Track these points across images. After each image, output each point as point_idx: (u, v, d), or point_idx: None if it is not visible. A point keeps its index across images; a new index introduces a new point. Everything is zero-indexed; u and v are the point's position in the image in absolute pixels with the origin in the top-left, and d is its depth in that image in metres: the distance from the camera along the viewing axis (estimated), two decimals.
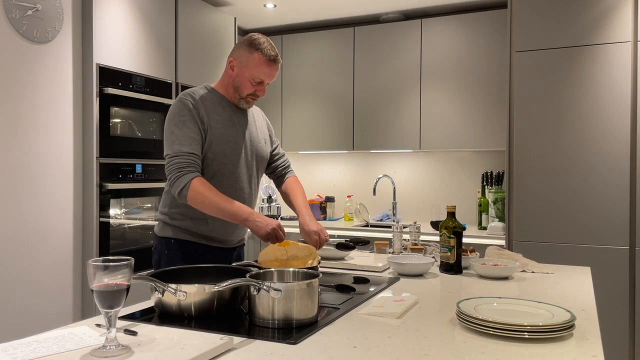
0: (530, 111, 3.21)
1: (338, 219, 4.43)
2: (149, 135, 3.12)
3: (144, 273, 1.37)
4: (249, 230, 1.85)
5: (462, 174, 4.16)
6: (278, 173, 2.16)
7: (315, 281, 1.28)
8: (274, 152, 2.14)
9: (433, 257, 2.18)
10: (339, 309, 1.42)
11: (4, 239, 2.39)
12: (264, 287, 1.22)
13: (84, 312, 2.77)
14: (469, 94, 3.79)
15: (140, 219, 3.01)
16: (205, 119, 1.83)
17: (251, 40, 1.86)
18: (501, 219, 3.57)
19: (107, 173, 2.78)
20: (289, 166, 2.19)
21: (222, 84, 1.94)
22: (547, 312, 1.30)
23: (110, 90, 2.79)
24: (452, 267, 1.93)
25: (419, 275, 1.91)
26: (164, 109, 3.18)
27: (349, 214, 4.30)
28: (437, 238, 3.46)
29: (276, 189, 4.48)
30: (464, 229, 2.12)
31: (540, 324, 1.16)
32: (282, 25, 4.47)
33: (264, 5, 3.95)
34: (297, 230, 3.98)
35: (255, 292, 1.24)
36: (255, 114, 2.06)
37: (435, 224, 3.72)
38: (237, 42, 3.89)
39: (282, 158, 2.17)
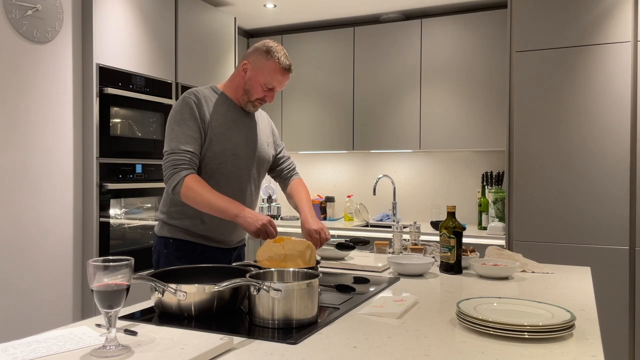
0: (530, 111, 3.21)
1: (338, 219, 4.43)
2: (149, 135, 3.12)
3: (144, 273, 1.37)
4: None
5: (462, 174, 4.16)
6: (284, 176, 2.16)
7: (315, 281, 1.28)
8: (279, 156, 2.14)
9: (433, 257, 2.18)
10: (339, 309, 1.42)
11: (4, 239, 2.39)
12: (264, 287, 1.22)
13: (84, 312, 2.77)
14: (469, 94, 3.79)
15: (140, 219, 3.01)
16: (207, 117, 1.84)
17: (269, 47, 1.89)
18: (501, 219, 3.57)
19: (107, 173, 2.78)
20: (294, 169, 2.19)
21: (231, 85, 1.95)
22: (547, 312, 1.30)
23: (110, 90, 2.79)
24: (452, 267, 1.93)
25: (419, 275, 1.91)
26: (164, 109, 3.18)
27: (349, 214, 4.30)
28: (437, 238, 3.46)
29: (276, 189, 4.48)
30: (464, 229, 2.12)
31: (540, 324, 1.16)
32: (282, 25, 4.47)
33: (264, 5, 3.95)
34: (298, 230, 3.98)
35: (255, 292, 1.24)
36: (260, 117, 2.06)
37: (435, 224, 3.72)
38: (237, 42, 3.89)
39: (288, 161, 2.18)
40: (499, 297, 1.41)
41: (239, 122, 1.93)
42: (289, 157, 2.19)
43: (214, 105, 1.88)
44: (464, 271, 1.98)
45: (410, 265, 1.88)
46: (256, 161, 1.98)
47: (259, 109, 2.02)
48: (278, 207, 4.44)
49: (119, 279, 1.04)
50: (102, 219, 2.76)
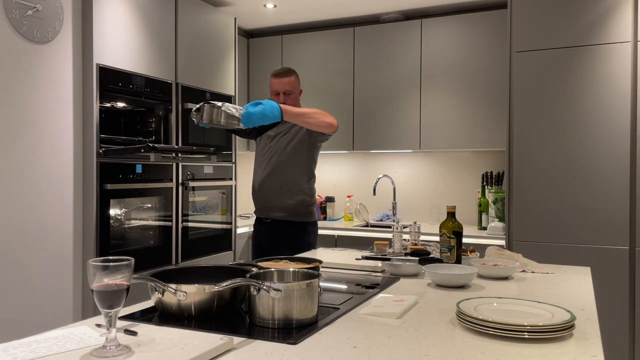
0: (530, 111, 3.21)
1: (338, 219, 4.43)
2: (149, 135, 3.13)
3: (144, 273, 1.37)
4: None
5: (462, 174, 4.16)
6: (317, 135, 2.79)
7: (315, 281, 1.28)
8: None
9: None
10: (339, 309, 1.42)
11: (4, 239, 2.39)
12: (264, 287, 1.22)
13: (84, 312, 2.77)
14: (469, 94, 3.79)
15: (140, 219, 3.01)
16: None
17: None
18: (501, 219, 3.57)
19: (107, 173, 2.78)
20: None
21: None
22: (547, 312, 1.30)
23: (111, 90, 2.79)
24: None
25: (418, 275, 1.91)
26: (163, 109, 3.18)
27: (349, 214, 4.30)
28: (437, 238, 3.45)
29: None
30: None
31: (540, 324, 1.16)
32: (282, 25, 4.47)
33: (264, 5, 3.95)
34: None
35: (255, 292, 1.24)
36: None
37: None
38: (237, 42, 3.89)
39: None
40: (499, 297, 1.41)
41: (275, 127, 2.73)
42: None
43: None
44: None
45: (405, 267, 1.88)
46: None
47: None
48: None
49: (119, 279, 1.04)
50: (102, 219, 2.76)
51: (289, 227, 2.72)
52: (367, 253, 2.22)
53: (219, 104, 1.98)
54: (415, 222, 2.41)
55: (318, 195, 4.52)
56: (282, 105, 2.14)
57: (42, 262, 2.56)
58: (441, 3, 3.88)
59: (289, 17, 4.26)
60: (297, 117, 2.26)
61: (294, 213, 2.71)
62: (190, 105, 3.32)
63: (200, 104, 2.00)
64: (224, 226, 3.70)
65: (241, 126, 1.99)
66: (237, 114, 1.97)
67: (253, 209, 2.86)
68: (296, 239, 2.71)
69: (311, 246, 2.75)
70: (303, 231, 2.74)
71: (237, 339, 1.16)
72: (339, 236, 3.90)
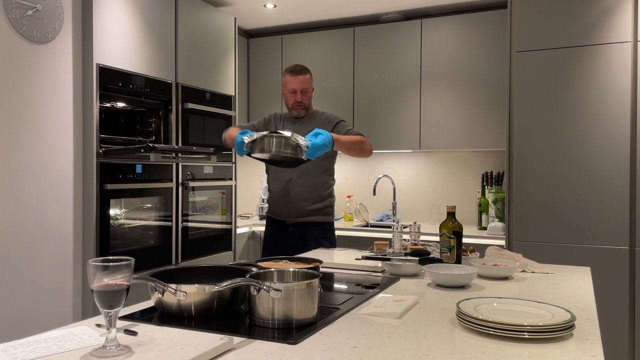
0: (530, 111, 3.21)
1: (338, 219, 4.43)
2: (149, 135, 3.12)
3: (144, 273, 1.37)
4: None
5: (462, 174, 4.16)
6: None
7: (315, 281, 1.28)
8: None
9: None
10: (339, 309, 1.42)
11: (4, 238, 2.39)
12: (264, 287, 1.22)
13: (84, 312, 2.77)
14: (469, 94, 3.79)
15: (140, 219, 3.01)
16: (273, 126, 2.68)
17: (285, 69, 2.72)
18: (501, 219, 3.57)
19: (107, 173, 2.78)
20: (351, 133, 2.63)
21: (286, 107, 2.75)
22: (547, 312, 1.30)
23: (110, 90, 2.79)
24: None
25: (418, 275, 1.91)
26: (164, 109, 3.18)
27: (349, 214, 4.30)
28: (437, 238, 3.45)
29: None
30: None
31: (540, 324, 1.16)
32: (282, 25, 4.47)
33: (264, 5, 3.95)
34: None
35: (255, 292, 1.24)
36: (320, 122, 2.67)
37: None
38: (237, 42, 3.89)
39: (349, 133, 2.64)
40: (499, 297, 1.41)
41: (289, 127, 2.64)
42: (349, 131, 2.62)
43: (280, 120, 2.74)
44: None
45: (405, 266, 1.88)
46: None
47: (323, 113, 2.78)
48: None
49: (119, 279, 1.04)
50: (102, 219, 2.76)
51: (314, 228, 2.74)
52: (367, 253, 2.23)
53: (288, 134, 1.93)
54: (415, 222, 2.41)
55: None
56: (333, 135, 2.19)
57: (42, 262, 2.56)
58: (441, 3, 3.88)
59: (289, 17, 4.26)
60: (344, 147, 2.38)
61: (321, 214, 2.77)
62: (190, 105, 3.32)
63: (258, 135, 1.94)
64: (224, 226, 3.70)
65: (303, 157, 1.96)
66: (302, 144, 1.94)
67: (253, 209, 2.87)
68: (320, 238, 2.74)
69: (332, 244, 2.81)
70: (327, 230, 2.81)
71: (237, 339, 1.16)
72: (339, 236, 3.89)
